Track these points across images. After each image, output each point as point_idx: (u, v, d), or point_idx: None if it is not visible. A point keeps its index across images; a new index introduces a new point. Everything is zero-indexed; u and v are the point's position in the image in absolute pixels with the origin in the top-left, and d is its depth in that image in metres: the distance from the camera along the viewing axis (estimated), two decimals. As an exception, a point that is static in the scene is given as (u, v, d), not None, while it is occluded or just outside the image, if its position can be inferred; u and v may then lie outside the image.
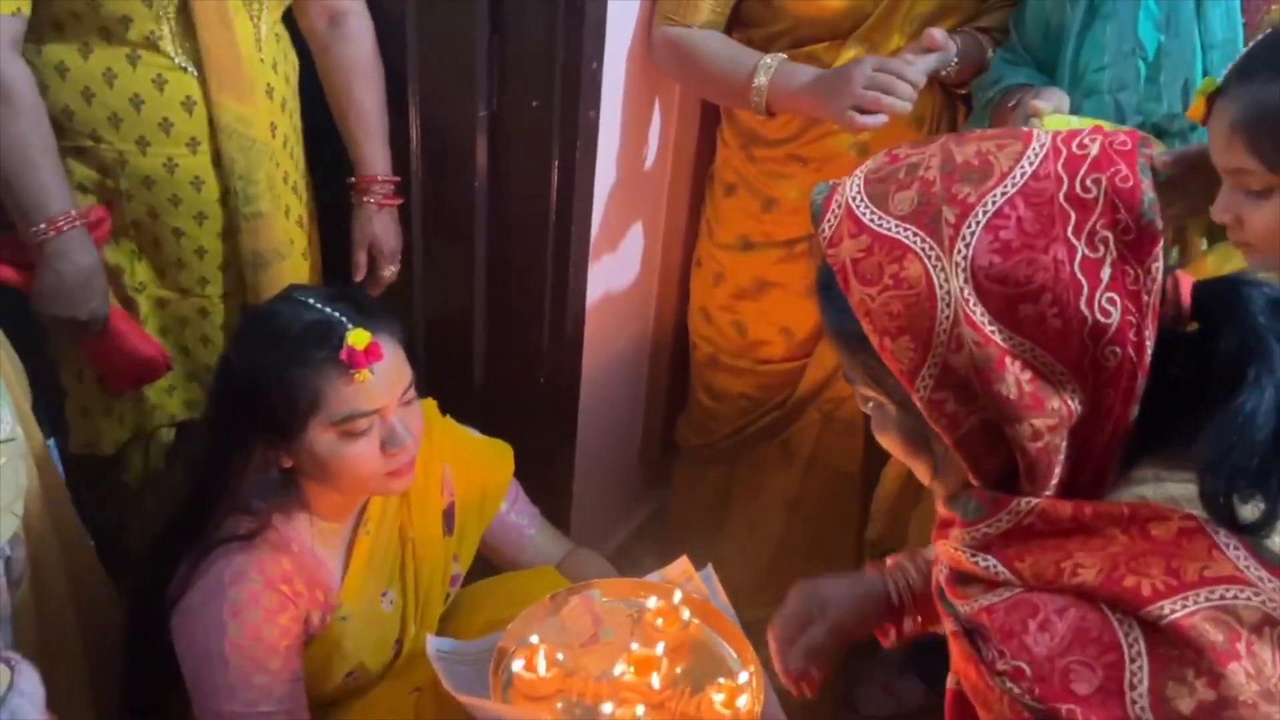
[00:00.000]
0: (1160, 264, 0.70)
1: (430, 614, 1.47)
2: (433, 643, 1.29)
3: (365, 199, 1.61)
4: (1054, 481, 0.74)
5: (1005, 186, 0.70)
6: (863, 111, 1.43)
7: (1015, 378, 0.70)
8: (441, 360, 1.84)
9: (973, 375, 0.71)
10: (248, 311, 1.31)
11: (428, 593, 1.45)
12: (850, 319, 0.75)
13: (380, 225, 1.64)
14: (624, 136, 1.73)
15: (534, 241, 1.69)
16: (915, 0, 1.54)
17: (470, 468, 1.51)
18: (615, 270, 1.87)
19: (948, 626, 0.82)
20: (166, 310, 1.48)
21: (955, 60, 1.50)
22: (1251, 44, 1.06)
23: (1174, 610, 0.67)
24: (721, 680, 1.28)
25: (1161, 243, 0.69)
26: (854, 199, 0.75)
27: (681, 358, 2.04)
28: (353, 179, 1.62)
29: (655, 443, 2.20)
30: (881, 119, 1.44)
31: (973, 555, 0.77)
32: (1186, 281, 0.74)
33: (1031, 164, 0.71)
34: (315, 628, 1.33)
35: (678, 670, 1.30)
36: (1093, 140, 0.71)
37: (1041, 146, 0.72)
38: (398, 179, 1.64)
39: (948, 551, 0.81)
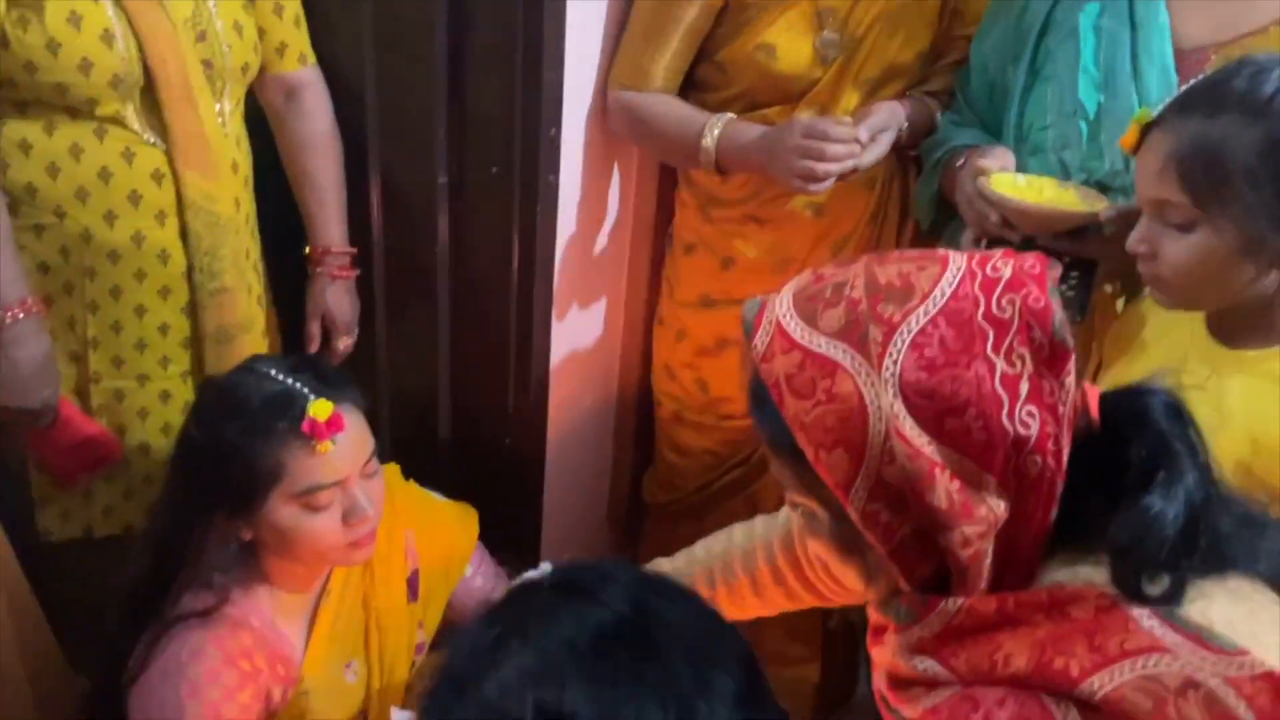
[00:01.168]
0: (1072, 378, 0.74)
1: (395, 684, 1.45)
2: (397, 716, 1.27)
3: (319, 270, 1.62)
4: (982, 584, 0.77)
5: (927, 306, 0.74)
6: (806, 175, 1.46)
7: (945, 488, 0.73)
8: (406, 423, 1.84)
9: (905, 486, 0.74)
10: (208, 382, 1.30)
11: (393, 662, 1.43)
12: (783, 430, 0.77)
13: (334, 297, 1.64)
14: (584, 199, 1.75)
15: (497, 304, 1.70)
16: (864, 64, 1.58)
17: (435, 533, 1.50)
18: (579, 330, 1.89)
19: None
20: (124, 403, 1.45)
21: (905, 124, 1.53)
22: (1193, 81, 1.08)
23: (1103, 685, 0.70)
24: None
25: (1073, 359, 0.74)
26: (784, 316, 0.78)
27: (647, 416, 2.05)
28: (307, 250, 1.62)
29: (623, 501, 2.19)
30: (825, 184, 1.47)
31: (909, 659, 0.80)
32: (1094, 393, 0.78)
33: (950, 285, 0.75)
34: (276, 703, 1.31)
35: None
36: (1005, 263, 0.75)
37: (958, 269, 0.75)
38: (354, 250, 1.65)
39: (885, 658, 0.83)
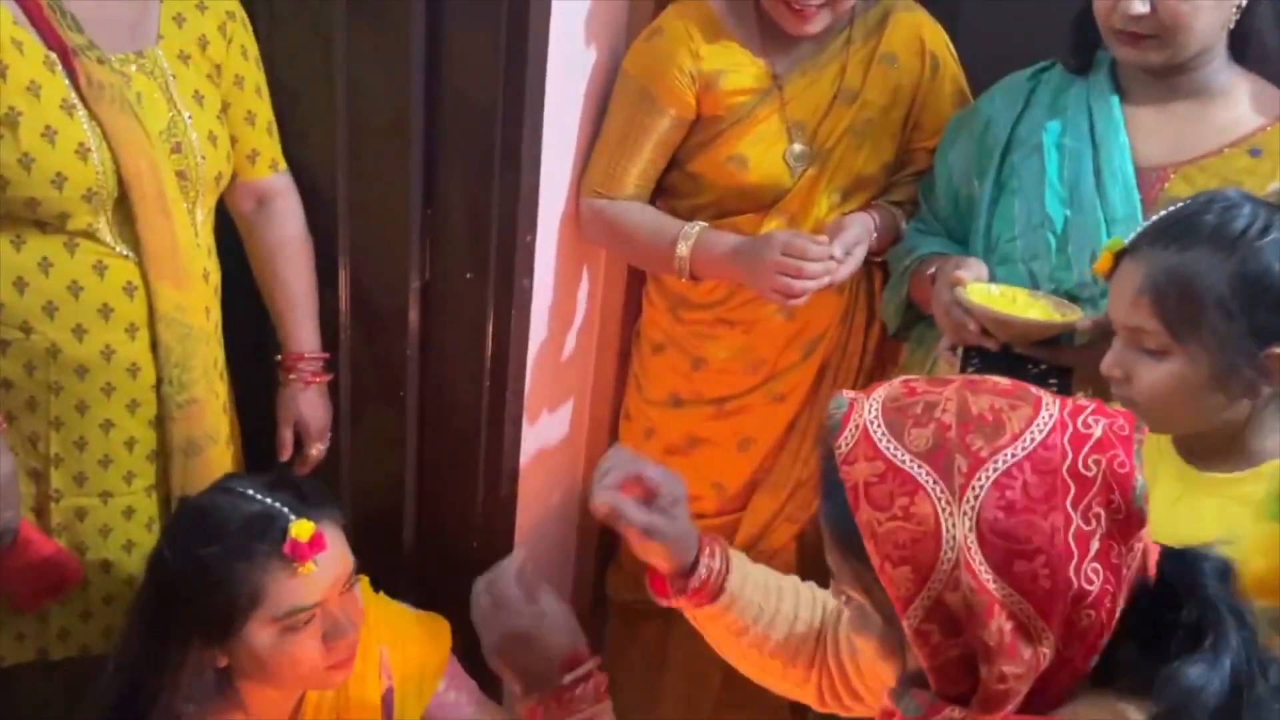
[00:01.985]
0: (1142, 544, 0.77)
1: (371, 809, 1.39)
2: None
3: (291, 376, 1.59)
4: (1002, 715, 0.78)
5: (1015, 449, 0.76)
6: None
7: (1000, 626, 0.75)
8: (370, 529, 1.79)
9: (962, 615, 0.75)
10: (183, 504, 1.26)
11: (368, 786, 1.38)
12: (852, 531, 0.79)
13: (307, 403, 1.61)
14: (555, 301, 1.76)
15: (467, 407, 1.69)
16: (832, 176, 1.62)
17: (407, 648, 1.46)
18: (547, 431, 1.88)
19: None
20: (85, 521, 1.39)
21: (874, 234, 1.58)
22: (1166, 211, 1.13)
23: None
24: None
25: (1146, 527, 0.76)
26: (872, 423, 0.79)
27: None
28: (279, 357, 1.60)
29: (586, 600, 2.16)
30: (803, 300, 1.50)
31: None
32: (1154, 551, 0.80)
33: (1041, 432, 0.77)
34: (252, 838, 1.25)
35: None
36: (1096, 421, 0.78)
37: (1050, 416, 0.77)
38: (326, 355, 1.62)
39: None
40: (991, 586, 0.74)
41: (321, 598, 1.19)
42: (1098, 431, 0.77)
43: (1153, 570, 0.80)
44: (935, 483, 0.76)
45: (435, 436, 1.75)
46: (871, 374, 1.75)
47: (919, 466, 0.76)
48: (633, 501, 1.15)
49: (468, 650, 1.55)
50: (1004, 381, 0.82)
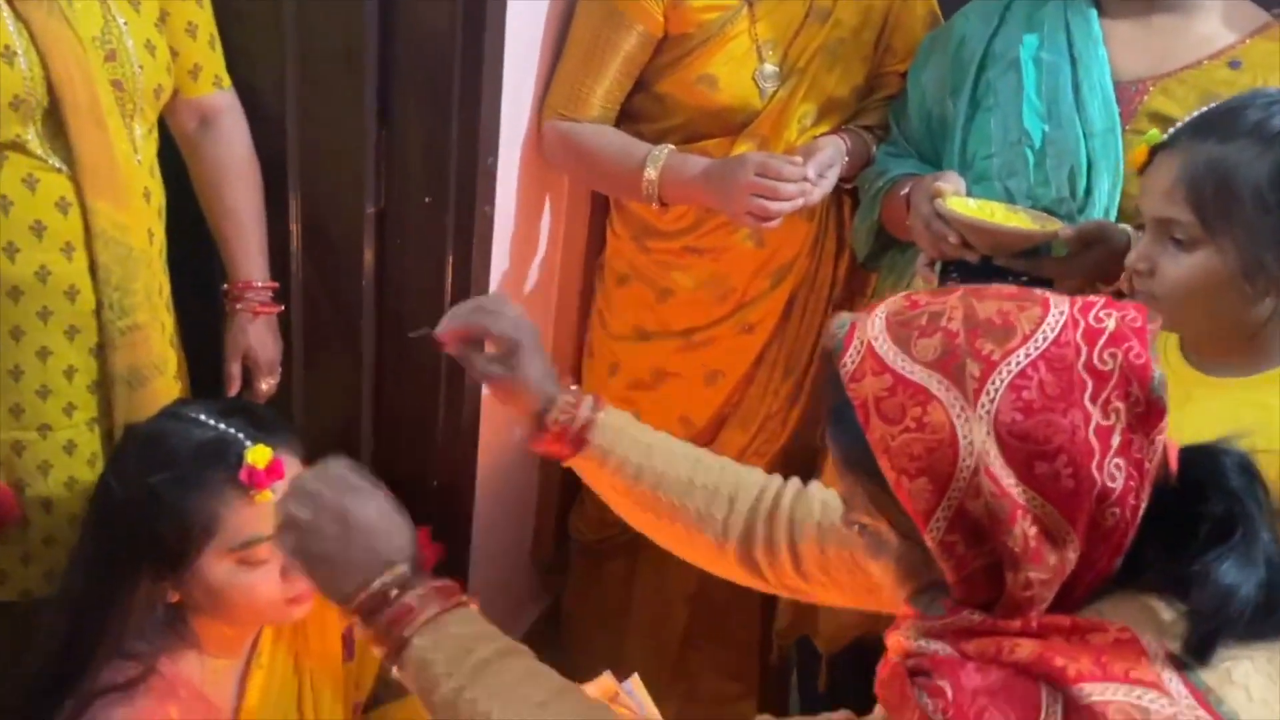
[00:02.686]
0: (1163, 436, 0.75)
1: (334, 751, 1.35)
2: None
3: (238, 306, 1.51)
4: (1023, 620, 0.77)
5: (1028, 349, 0.74)
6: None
7: (1024, 530, 0.73)
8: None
9: (985, 522, 0.74)
10: (129, 431, 1.18)
11: (330, 727, 1.33)
12: (863, 451, 0.77)
13: (255, 334, 1.53)
14: (516, 231, 1.70)
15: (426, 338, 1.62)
16: (803, 98, 1.58)
17: (369, 584, 1.41)
18: (507, 366, 1.82)
19: (890, 659, 0.85)
20: (23, 457, 1.31)
21: (846, 157, 1.54)
22: (1208, 106, 1.12)
23: (1093, 694, 0.71)
24: None
25: (1166, 418, 0.75)
26: (876, 339, 0.78)
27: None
28: (225, 286, 1.52)
29: (548, 540, 2.12)
30: (777, 222, 1.46)
31: (922, 641, 0.80)
32: (1174, 449, 0.79)
33: (1053, 330, 0.75)
34: (208, 779, 1.20)
35: None
36: (1108, 315, 0.76)
37: (1060, 314, 0.76)
38: (276, 285, 1.55)
39: (898, 641, 0.83)
40: (1013, 491, 0.73)
41: (280, 527, 1.13)
42: (1111, 325, 0.75)
43: (1174, 465, 0.78)
44: (948, 390, 0.74)
45: (392, 372, 1.69)
46: (840, 304, 1.72)
47: (929, 376, 0.75)
48: (478, 352, 1.14)
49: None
50: (1008, 287, 0.80)
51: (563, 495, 2.07)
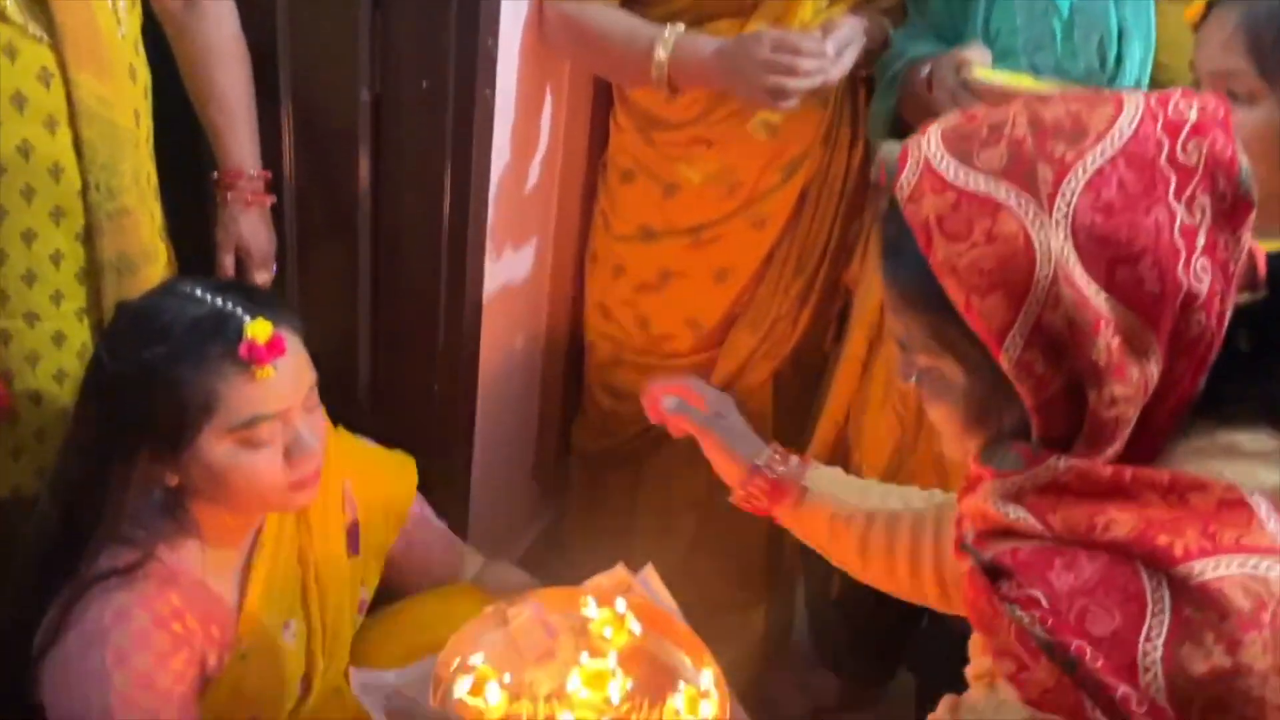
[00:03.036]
0: (1249, 234, 0.71)
1: (340, 645, 1.32)
2: (358, 676, 1.15)
3: (230, 196, 1.45)
4: (1110, 452, 0.73)
5: (1105, 146, 0.69)
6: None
7: (1107, 342, 0.69)
8: (322, 373, 1.68)
9: (1065, 336, 0.69)
10: (121, 307, 1.13)
11: (335, 621, 1.30)
12: (923, 280, 0.73)
13: (249, 225, 1.47)
14: (516, 121, 1.63)
15: (426, 234, 1.56)
16: None
17: (372, 481, 1.37)
18: (508, 267, 1.76)
19: (963, 566, 0.80)
20: (10, 347, 1.26)
21: (864, 37, 1.47)
22: None
23: (1203, 572, 0.67)
24: (681, 686, 1.18)
25: (1253, 214, 0.70)
26: (934, 156, 0.73)
27: (576, 358, 1.95)
28: (215, 174, 1.46)
29: (551, 449, 2.08)
30: (794, 101, 1.40)
31: (1002, 505, 0.76)
32: (1260, 252, 0.74)
33: (1130, 125, 0.70)
34: (213, 669, 1.16)
35: (629, 684, 1.19)
36: (1188, 105, 0.71)
37: (1136, 108, 0.71)
38: (268, 174, 1.49)
39: (975, 505, 0.79)
40: (1095, 299, 0.69)
41: (282, 407, 1.09)
42: (1192, 116, 0.70)
43: (1262, 270, 0.74)
44: (1018, 196, 0.69)
45: (391, 268, 1.63)
46: (853, 198, 1.66)
47: (996, 185, 0.70)
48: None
49: (433, 491, 1.47)
50: (1073, 90, 0.75)
51: (565, 405, 2.03)
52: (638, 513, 1.93)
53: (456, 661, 1.17)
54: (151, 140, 1.36)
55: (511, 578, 1.46)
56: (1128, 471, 0.72)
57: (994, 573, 0.75)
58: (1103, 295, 0.69)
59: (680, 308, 1.73)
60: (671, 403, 1.19)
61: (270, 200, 1.49)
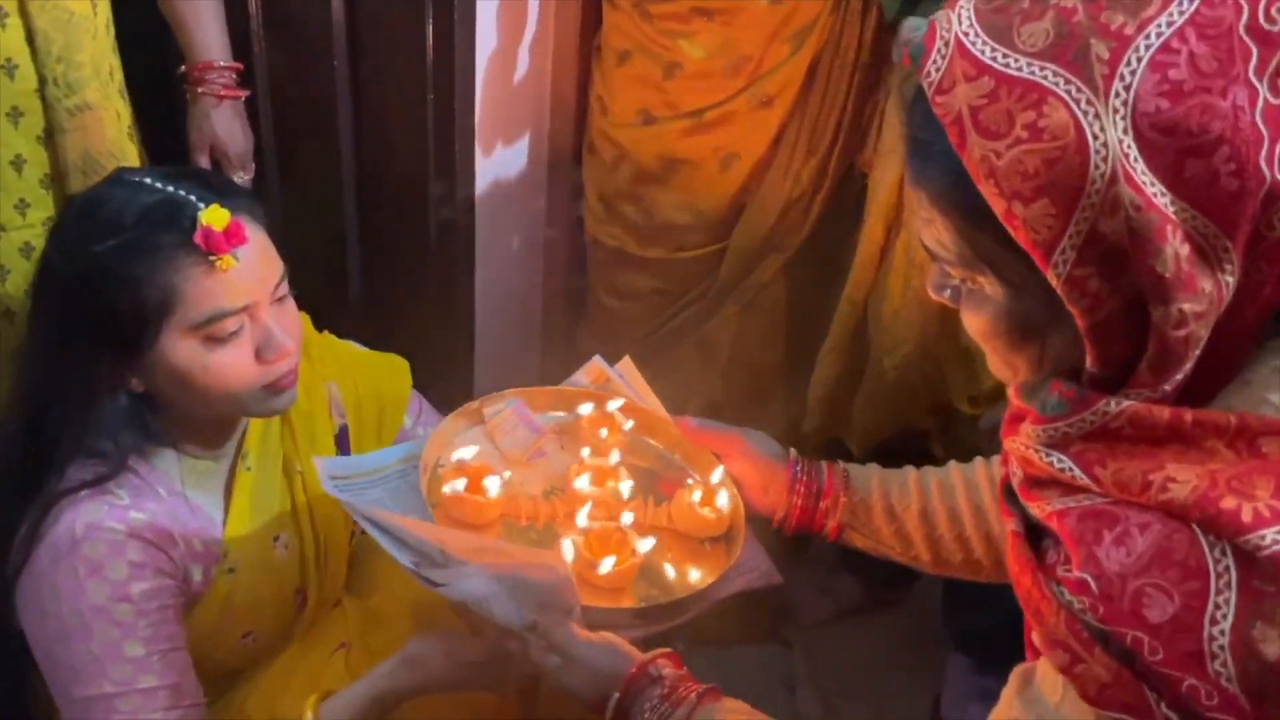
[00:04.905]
0: None
1: (335, 557, 1.25)
2: (323, 466, 1.06)
3: (201, 91, 1.37)
4: (1179, 376, 0.62)
5: (1171, 14, 0.58)
6: None
7: (1174, 251, 0.58)
8: (309, 282, 1.60)
9: (1126, 245, 0.58)
10: (69, 201, 1.04)
11: (328, 532, 1.23)
12: (957, 183, 0.62)
13: (222, 122, 1.39)
14: (501, 3, 1.51)
15: (410, 120, 1.47)
16: None
17: (360, 384, 1.29)
18: (501, 161, 1.67)
19: (1008, 526, 0.72)
20: None
21: None
22: None
23: (1277, 541, 0.57)
24: (691, 481, 1.11)
25: None
26: (966, 34, 0.62)
27: (581, 258, 1.85)
28: (183, 69, 1.36)
29: (556, 352, 2.01)
30: None
31: (1046, 454, 0.66)
32: None
33: None
34: (198, 585, 1.10)
35: (631, 483, 1.11)
36: None
37: None
38: (239, 65, 1.39)
39: (1017, 450, 0.70)
40: (1160, 200, 0.58)
41: (248, 300, 1.00)
42: None
43: None
44: (1067, 82, 0.58)
45: (376, 161, 1.54)
46: (867, 71, 1.55)
47: (1042, 68, 0.59)
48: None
49: (437, 387, 1.40)
50: None
51: (568, 305, 1.95)
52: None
53: (440, 460, 1.08)
54: (112, 30, 1.27)
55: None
56: (1188, 414, 0.61)
57: (1037, 533, 0.67)
58: (1169, 196, 0.58)
59: (685, 197, 1.63)
60: (695, 421, 1.12)
61: (243, 94, 1.40)
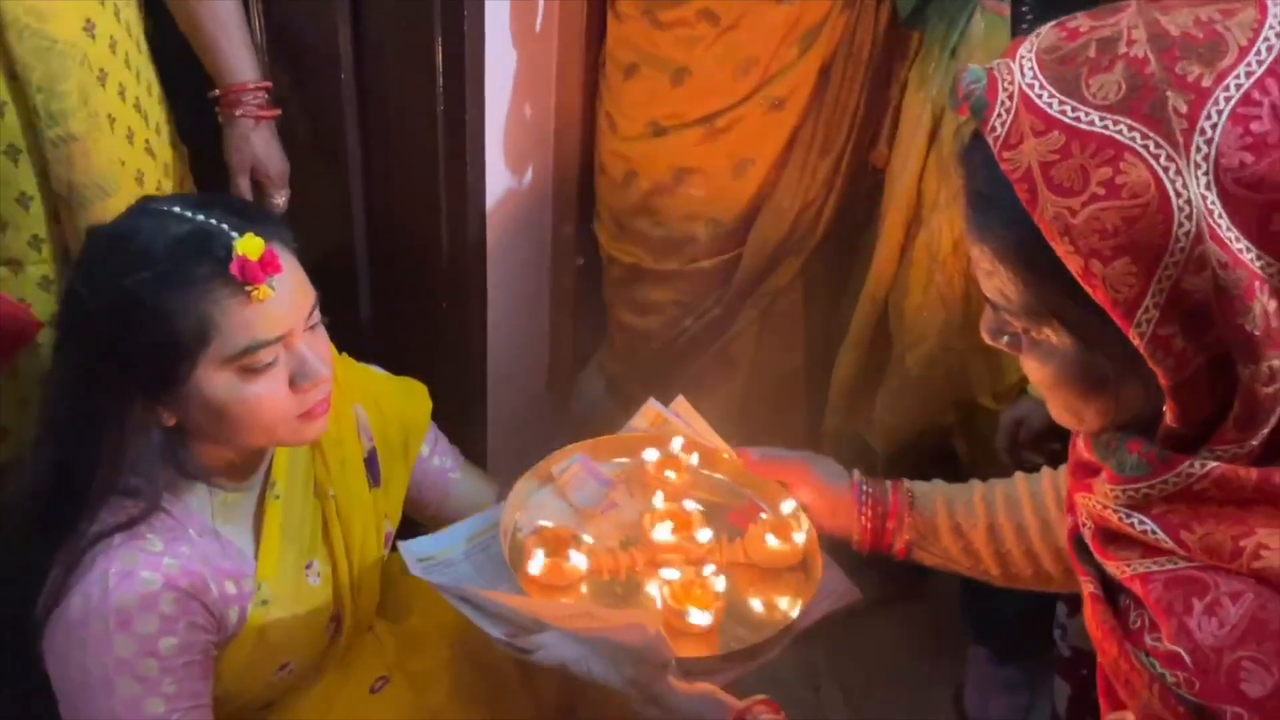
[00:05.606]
0: None
1: (369, 582, 1.23)
2: (408, 550, 1.06)
3: (236, 113, 1.35)
4: (1266, 431, 0.60)
5: (1250, 64, 0.57)
6: None
7: (1263, 308, 0.57)
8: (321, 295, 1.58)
9: (1212, 304, 0.57)
10: (93, 233, 1.01)
11: (362, 556, 1.22)
12: (1025, 238, 0.60)
13: (261, 142, 1.38)
14: (512, 10, 1.49)
15: (419, 136, 1.44)
16: None
17: (384, 408, 1.28)
18: (509, 174, 1.64)
19: (1085, 588, 0.70)
20: None
21: None
22: None
23: None
24: (763, 517, 1.11)
25: None
26: (1030, 86, 0.60)
27: (590, 270, 1.82)
28: (216, 92, 1.35)
29: (563, 368, 1.98)
30: None
31: (1127, 515, 0.64)
32: None
33: (1278, 34, 0.57)
34: (234, 627, 1.08)
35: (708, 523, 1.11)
36: None
37: None
38: (269, 84, 1.38)
39: (1093, 506, 0.68)
40: (1246, 256, 0.56)
41: (284, 330, 0.98)
42: None
43: None
44: (1145, 137, 0.57)
45: (385, 179, 1.52)
46: (880, 69, 1.53)
47: (1115, 123, 0.57)
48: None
49: (446, 416, 1.38)
50: None
51: (576, 321, 1.92)
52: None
53: (515, 529, 1.09)
54: (128, 51, 1.24)
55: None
56: (1277, 476, 0.60)
57: (1113, 588, 0.66)
58: (1254, 250, 0.57)
59: (699, 207, 1.61)
60: (758, 451, 1.13)
61: (278, 113, 1.39)
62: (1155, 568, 0.63)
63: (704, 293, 1.67)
